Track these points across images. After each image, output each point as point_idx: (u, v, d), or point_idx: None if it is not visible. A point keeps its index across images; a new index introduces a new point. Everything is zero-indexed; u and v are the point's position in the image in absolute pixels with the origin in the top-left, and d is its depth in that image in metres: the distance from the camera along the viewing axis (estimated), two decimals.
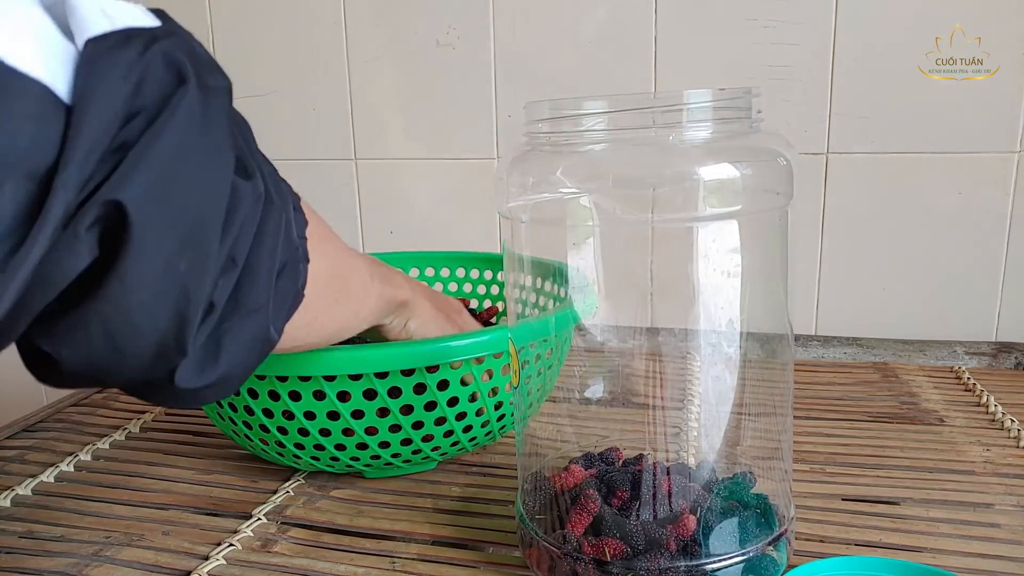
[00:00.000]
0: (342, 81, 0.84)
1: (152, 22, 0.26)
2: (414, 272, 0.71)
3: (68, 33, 0.24)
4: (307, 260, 0.34)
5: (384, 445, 0.48)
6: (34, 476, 0.53)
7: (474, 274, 0.70)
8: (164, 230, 0.25)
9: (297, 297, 0.33)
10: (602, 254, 0.37)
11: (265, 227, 0.30)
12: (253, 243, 0.29)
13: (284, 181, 0.33)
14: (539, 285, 0.59)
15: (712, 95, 0.35)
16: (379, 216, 0.87)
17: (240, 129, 0.30)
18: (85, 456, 0.57)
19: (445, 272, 0.71)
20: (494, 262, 0.69)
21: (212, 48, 0.86)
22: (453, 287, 0.71)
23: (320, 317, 0.37)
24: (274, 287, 0.31)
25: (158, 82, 0.25)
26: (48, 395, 0.91)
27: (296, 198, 0.34)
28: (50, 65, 0.22)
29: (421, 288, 0.51)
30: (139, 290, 0.25)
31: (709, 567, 0.35)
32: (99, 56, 0.23)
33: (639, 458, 0.42)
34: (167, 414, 0.65)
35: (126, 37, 0.24)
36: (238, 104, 0.29)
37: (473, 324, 0.56)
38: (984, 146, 0.70)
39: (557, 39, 0.77)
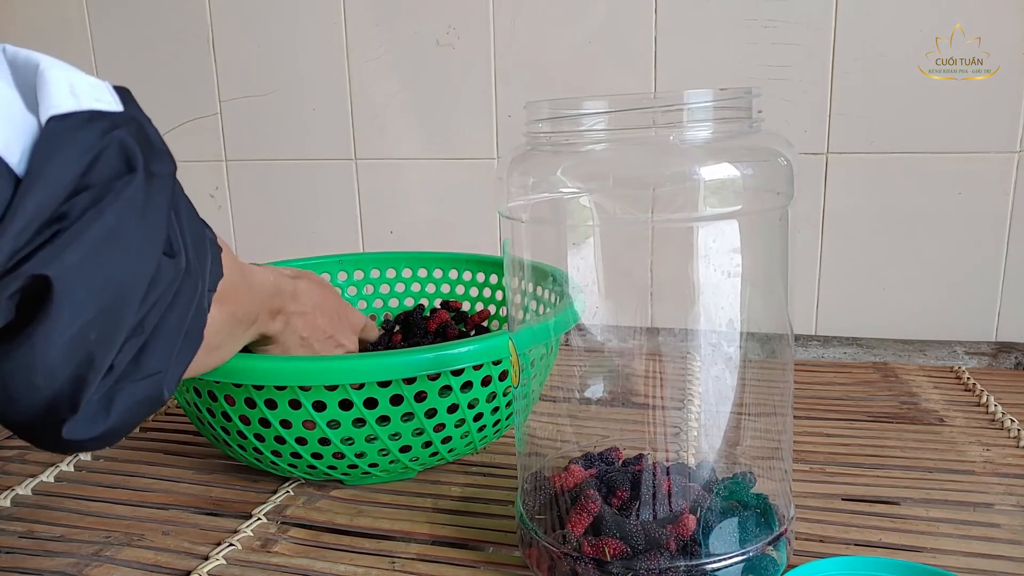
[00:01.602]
0: (342, 81, 0.84)
1: (115, 106, 0.27)
2: (407, 272, 0.71)
3: (33, 102, 0.25)
4: (208, 310, 0.35)
5: (361, 455, 0.47)
6: (34, 476, 0.53)
7: (467, 276, 0.70)
8: (84, 303, 0.26)
9: (194, 351, 0.34)
10: (602, 254, 0.37)
11: (179, 298, 0.31)
12: (165, 312, 0.30)
13: (207, 237, 0.34)
14: (532, 289, 0.58)
15: (713, 95, 0.35)
16: (379, 216, 0.87)
17: (177, 203, 0.31)
18: (85, 456, 0.57)
19: (438, 273, 0.71)
20: (486, 264, 0.69)
21: (212, 48, 0.87)
22: (446, 288, 0.71)
23: (200, 357, 0.38)
24: (176, 351, 0.32)
25: (109, 166, 0.26)
26: None
27: (217, 251, 0.35)
28: (8, 137, 0.24)
29: (316, 330, 0.51)
30: (46, 355, 0.26)
31: (709, 567, 0.35)
32: (59, 134, 0.25)
33: (639, 458, 0.42)
34: (167, 414, 0.65)
35: (88, 119, 0.26)
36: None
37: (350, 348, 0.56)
38: (984, 146, 0.70)
39: (557, 39, 0.77)
